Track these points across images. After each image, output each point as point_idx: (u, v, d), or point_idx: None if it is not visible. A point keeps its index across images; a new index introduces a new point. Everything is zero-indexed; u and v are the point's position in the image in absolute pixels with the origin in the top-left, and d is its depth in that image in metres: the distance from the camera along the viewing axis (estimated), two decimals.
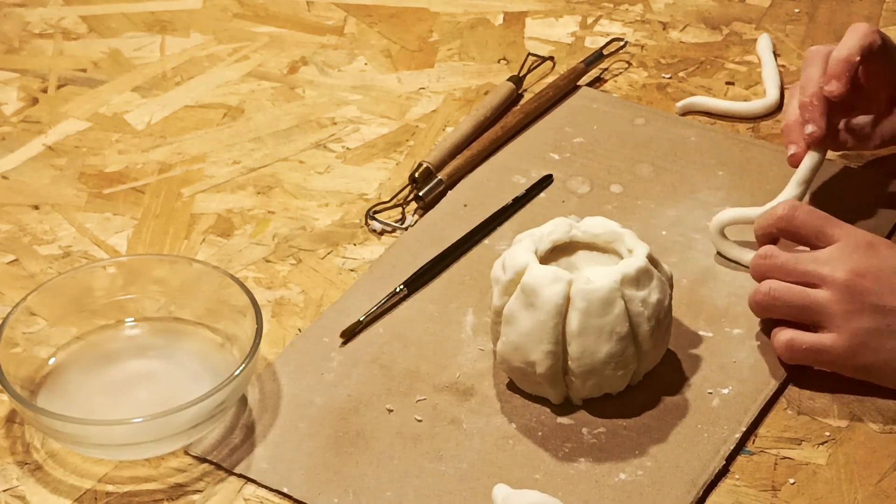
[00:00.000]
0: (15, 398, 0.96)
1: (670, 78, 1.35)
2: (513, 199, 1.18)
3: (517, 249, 1.00)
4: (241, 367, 0.97)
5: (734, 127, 1.28)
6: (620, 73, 1.36)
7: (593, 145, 1.25)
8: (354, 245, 1.16)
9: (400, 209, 1.19)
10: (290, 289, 1.12)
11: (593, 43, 1.40)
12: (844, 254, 0.99)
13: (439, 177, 1.21)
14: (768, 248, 1.03)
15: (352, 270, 1.14)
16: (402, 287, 1.10)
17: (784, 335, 1.01)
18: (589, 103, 1.31)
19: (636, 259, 0.99)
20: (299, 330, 1.08)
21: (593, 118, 1.28)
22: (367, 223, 1.18)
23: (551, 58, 1.36)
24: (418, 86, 1.35)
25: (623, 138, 1.26)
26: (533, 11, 1.45)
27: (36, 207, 1.21)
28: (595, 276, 0.98)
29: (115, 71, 1.38)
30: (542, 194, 1.20)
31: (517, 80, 1.32)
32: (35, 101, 1.34)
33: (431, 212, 1.19)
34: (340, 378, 1.04)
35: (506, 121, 1.27)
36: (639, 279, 0.98)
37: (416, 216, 1.19)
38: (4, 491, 0.96)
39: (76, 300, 1.06)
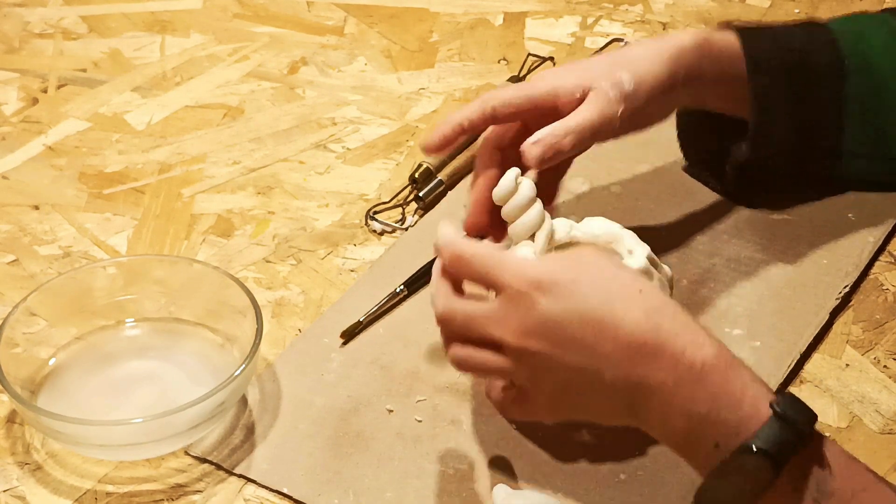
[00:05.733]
0: (15, 398, 0.96)
1: None
2: None
3: (517, 250, 1.00)
4: (242, 368, 0.97)
5: None
6: None
7: (593, 145, 1.24)
8: (354, 245, 1.16)
9: (400, 209, 1.19)
10: (290, 289, 1.12)
11: (593, 43, 1.40)
12: (509, 308, 0.86)
13: (439, 177, 1.21)
14: (443, 311, 0.90)
15: (352, 271, 1.14)
16: (402, 287, 1.10)
17: (496, 397, 0.92)
18: None
19: (636, 260, 0.98)
20: (299, 330, 1.08)
21: None
22: (367, 223, 1.18)
23: (551, 58, 1.36)
24: (418, 86, 1.35)
25: (623, 138, 1.25)
26: (533, 12, 1.45)
27: (36, 207, 1.21)
28: None
29: (115, 71, 1.38)
30: None
31: (517, 81, 1.32)
32: (35, 101, 1.34)
33: (431, 212, 1.19)
34: (340, 378, 1.04)
35: None
36: None
37: (417, 217, 1.19)
38: (4, 491, 0.96)
39: (76, 300, 1.06)
